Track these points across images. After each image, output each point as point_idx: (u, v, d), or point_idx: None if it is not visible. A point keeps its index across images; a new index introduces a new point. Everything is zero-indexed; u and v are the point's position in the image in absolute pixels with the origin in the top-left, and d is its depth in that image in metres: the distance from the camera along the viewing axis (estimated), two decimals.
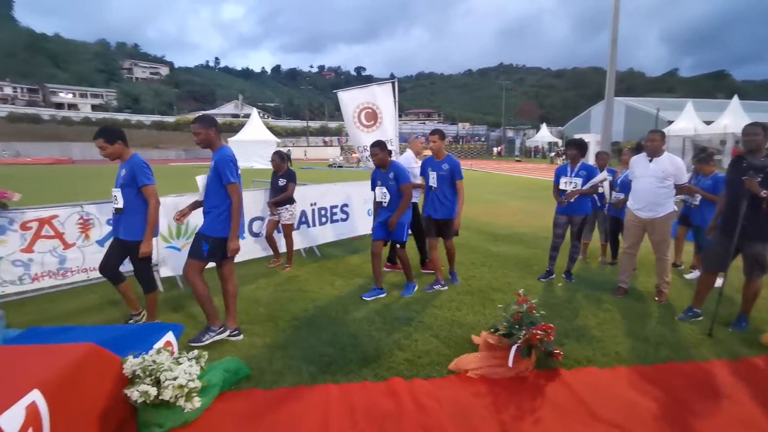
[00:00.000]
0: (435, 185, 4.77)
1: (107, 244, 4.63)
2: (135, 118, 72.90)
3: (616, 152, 19.03)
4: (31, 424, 1.77)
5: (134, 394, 2.34)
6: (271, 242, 5.83)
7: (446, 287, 4.88)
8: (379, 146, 4.53)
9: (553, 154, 39.98)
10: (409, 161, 5.63)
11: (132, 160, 3.63)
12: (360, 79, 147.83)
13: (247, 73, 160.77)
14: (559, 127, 60.02)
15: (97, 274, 4.59)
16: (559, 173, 5.19)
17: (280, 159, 5.74)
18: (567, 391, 2.86)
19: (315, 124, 72.19)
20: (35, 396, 1.84)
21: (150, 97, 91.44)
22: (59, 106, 77.22)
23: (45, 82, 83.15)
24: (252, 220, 5.90)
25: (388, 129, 8.11)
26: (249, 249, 5.75)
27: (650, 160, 4.35)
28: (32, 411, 1.79)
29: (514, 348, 3.00)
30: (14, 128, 55.28)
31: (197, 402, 2.51)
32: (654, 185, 4.30)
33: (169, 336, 3.13)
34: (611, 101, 17.03)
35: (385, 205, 4.61)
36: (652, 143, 4.31)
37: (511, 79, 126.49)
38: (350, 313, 4.20)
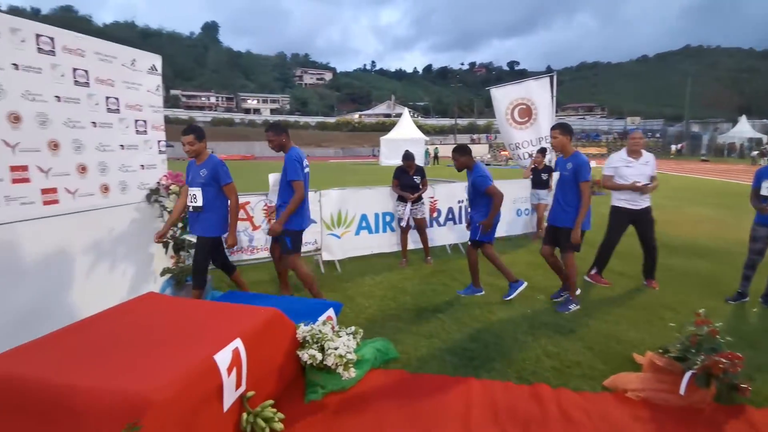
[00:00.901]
0: (558, 188, 4.34)
1: None
2: (303, 119, 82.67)
3: None
4: (235, 364, 2.23)
5: (304, 355, 2.75)
6: (405, 241, 5.95)
7: (576, 306, 4.23)
8: (458, 151, 4.44)
9: (755, 153, 32.59)
10: (612, 160, 4.93)
11: (212, 161, 3.76)
12: (512, 74, 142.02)
13: (399, 74, 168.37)
14: (765, 120, 48.61)
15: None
16: (761, 176, 4.28)
17: (411, 159, 5.77)
18: None
19: (463, 122, 71.92)
20: (238, 343, 2.30)
21: (315, 101, 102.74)
22: (247, 111, 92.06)
23: (238, 91, 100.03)
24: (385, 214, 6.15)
25: (543, 125, 7.69)
26: (393, 241, 6.09)
27: None
28: (236, 354, 2.25)
29: (688, 374, 2.62)
30: (215, 130, 67.78)
31: (353, 372, 2.81)
32: None
33: (330, 312, 3.55)
34: None
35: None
36: None
37: (699, 63, 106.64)
38: (495, 313, 4.16)
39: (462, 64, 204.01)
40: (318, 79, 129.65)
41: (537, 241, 7.23)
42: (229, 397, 2.21)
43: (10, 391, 1.89)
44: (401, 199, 5.76)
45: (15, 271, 3.11)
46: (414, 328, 3.83)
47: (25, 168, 3.15)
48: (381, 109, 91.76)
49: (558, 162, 4.41)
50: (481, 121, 72.00)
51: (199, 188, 3.70)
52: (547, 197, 7.30)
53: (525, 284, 4.59)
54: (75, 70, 3.53)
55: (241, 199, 5.12)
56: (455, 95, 79.65)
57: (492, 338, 3.61)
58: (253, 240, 5.29)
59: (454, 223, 6.60)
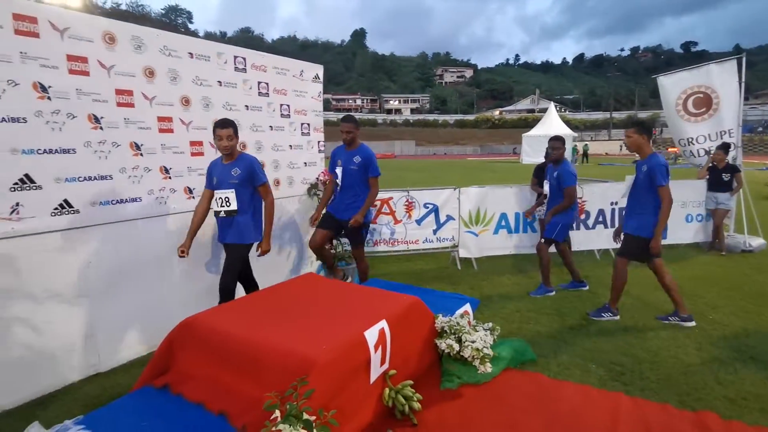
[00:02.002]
0: (630, 192, 3.92)
1: (423, 223, 5.66)
2: (441, 117, 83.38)
3: None
4: (381, 343, 2.46)
5: (442, 344, 2.87)
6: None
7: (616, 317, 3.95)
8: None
9: None
10: None
11: (246, 158, 3.37)
12: (688, 57, 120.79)
13: (545, 67, 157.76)
14: None
15: (415, 246, 5.68)
16: None
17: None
18: None
19: (620, 115, 64.21)
20: (384, 324, 2.53)
21: (455, 99, 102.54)
22: (389, 111, 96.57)
23: (381, 93, 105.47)
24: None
25: (726, 117, 6.53)
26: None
27: None
28: (382, 334, 2.48)
29: None
30: (360, 131, 72.77)
31: (489, 368, 2.84)
32: None
33: (467, 307, 3.61)
34: None
35: (548, 197, 4.75)
36: None
37: None
38: (651, 328, 3.73)
39: (621, 50, 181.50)
40: (458, 76, 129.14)
41: (712, 252, 6.18)
42: (375, 371, 2.45)
43: (211, 337, 2.43)
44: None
45: (208, 249, 3.88)
46: (554, 333, 3.66)
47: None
48: (524, 104, 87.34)
49: (637, 164, 3.94)
50: (643, 114, 63.31)
51: (232, 190, 3.30)
52: (729, 201, 6.19)
53: (554, 292, 4.62)
54: (259, 83, 4.23)
55: (384, 195, 5.50)
56: (611, 86, 71.55)
57: (647, 355, 3.26)
58: (394, 233, 5.63)
59: (605, 226, 6.03)
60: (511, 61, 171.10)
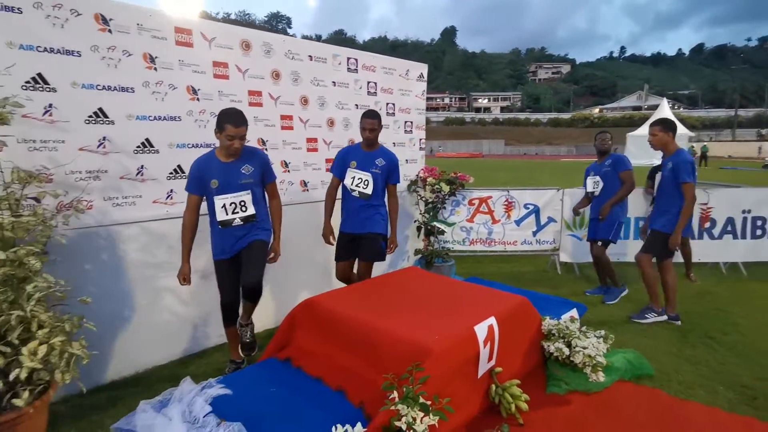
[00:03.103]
0: (658, 190, 3.96)
1: (522, 224, 5.51)
2: (534, 116, 79.63)
3: None
4: (489, 339, 2.47)
5: (551, 347, 2.80)
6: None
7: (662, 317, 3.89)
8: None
9: None
10: None
11: (256, 152, 2.90)
12: None
13: (656, 60, 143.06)
14: None
15: (512, 247, 5.56)
16: None
17: None
18: None
19: (747, 113, 56.13)
20: (492, 321, 2.53)
21: (549, 96, 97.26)
22: (477, 110, 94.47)
23: (470, 91, 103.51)
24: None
25: None
26: None
27: None
28: (491, 330, 2.49)
29: None
30: (447, 130, 72.18)
31: (601, 377, 2.71)
32: None
33: (574, 312, 3.48)
34: None
35: (597, 195, 4.52)
36: None
37: None
38: None
39: (749, 39, 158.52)
40: (553, 73, 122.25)
41: None
42: (483, 366, 2.47)
43: (329, 318, 2.63)
44: None
45: (311, 238, 4.13)
46: (675, 350, 3.36)
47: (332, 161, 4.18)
48: (629, 101, 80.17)
49: (662, 162, 3.96)
50: None
51: (248, 191, 2.77)
52: None
53: (626, 290, 4.54)
54: (368, 82, 4.43)
55: (483, 194, 5.44)
56: (736, 80, 62.77)
57: None
58: (491, 233, 5.55)
59: (734, 237, 5.37)
60: (616, 54, 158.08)
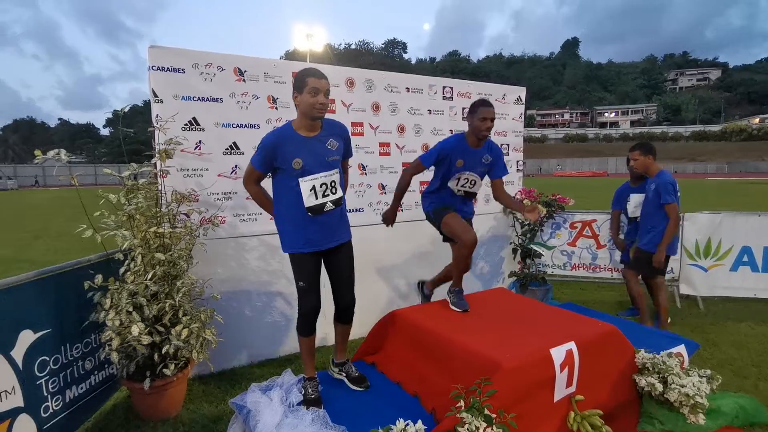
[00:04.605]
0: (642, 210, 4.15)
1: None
2: (672, 129, 70.72)
3: None
4: (567, 364, 2.44)
5: (642, 381, 2.63)
6: None
7: None
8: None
9: None
10: None
11: (335, 123, 2.58)
12: None
13: None
14: None
15: (620, 274, 5.18)
16: None
17: None
18: None
19: None
20: (572, 346, 2.50)
21: (691, 106, 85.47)
22: (602, 125, 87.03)
23: (594, 105, 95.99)
24: None
25: None
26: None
27: None
28: (569, 355, 2.46)
29: None
30: (566, 147, 67.74)
31: (701, 419, 2.47)
32: None
33: (681, 348, 3.17)
34: None
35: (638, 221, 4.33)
36: None
37: None
38: None
39: None
40: (699, 79, 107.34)
41: None
42: (560, 391, 2.44)
43: (413, 329, 2.86)
44: None
45: (413, 252, 4.40)
46: None
47: (425, 183, 4.45)
48: None
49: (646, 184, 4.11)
50: None
51: (336, 170, 2.46)
52: None
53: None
54: (463, 108, 4.63)
55: (587, 217, 5.20)
56: None
57: None
58: (596, 258, 5.24)
59: None
60: None
